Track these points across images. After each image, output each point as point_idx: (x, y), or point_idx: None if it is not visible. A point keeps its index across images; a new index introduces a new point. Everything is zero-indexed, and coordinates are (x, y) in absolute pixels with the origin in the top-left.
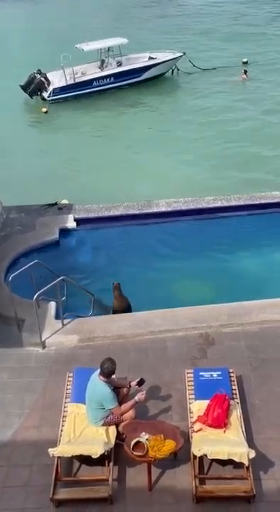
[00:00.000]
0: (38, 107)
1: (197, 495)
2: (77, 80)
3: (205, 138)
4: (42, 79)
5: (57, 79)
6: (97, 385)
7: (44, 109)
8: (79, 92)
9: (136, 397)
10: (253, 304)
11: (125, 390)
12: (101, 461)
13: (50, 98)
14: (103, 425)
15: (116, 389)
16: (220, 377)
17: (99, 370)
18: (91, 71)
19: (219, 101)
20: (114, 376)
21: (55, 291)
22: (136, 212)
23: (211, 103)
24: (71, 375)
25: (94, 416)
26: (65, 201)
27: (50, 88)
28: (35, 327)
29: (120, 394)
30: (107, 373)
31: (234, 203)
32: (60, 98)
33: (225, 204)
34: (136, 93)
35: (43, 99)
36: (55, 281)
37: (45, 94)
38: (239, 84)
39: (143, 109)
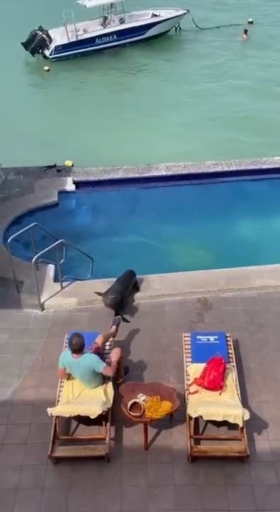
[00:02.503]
0: (39, 65)
1: (192, 455)
2: (80, 38)
3: (205, 100)
4: (44, 36)
5: (59, 36)
6: (80, 363)
7: (46, 68)
8: (81, 50)
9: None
10: (251, 270)
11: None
12: (98, 421)
13: (52, 56)
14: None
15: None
16: (217, 341)
17: (66, 352)
18: (93, 28)
19: (219, 61)
20: (98, 338)
21: (54, 254)
22: (136, 175)
23: (210, 63)
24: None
25: (93, 385)
26: (68, 162)
27: (52, 46)
28: (34, 289)
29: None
30: (78, 348)
31: (234, 168)
32: (62, 56)
33: (226, 169)
34: (139, 52)
35: (45, 57)
36: (54, 244)
37: (47, 52)
38: (239, 44)
39: (146, 69)
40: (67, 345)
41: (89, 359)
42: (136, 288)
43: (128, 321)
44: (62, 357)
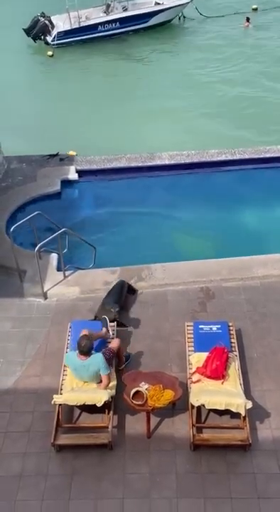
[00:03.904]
0: (41, 51)
1: (194, 443)
2: (82, 24)
3: (208, 88)
4: (47, 22)
5: (61, 22)
6: (85, 363)
7: (49, 53)
8: (83, 37)
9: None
10: (254, 259)
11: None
12: (101, 409)
13: (54, 42)
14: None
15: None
16: (220, 331)
17: (72, 353)
18: (96, 15)
19: (222, 49)
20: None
21: (57, 243)
22: (139, 164)
23: (213, 52)
24: (71, 325)
25: (96, 381)
26: (72, 152)
27: (54, 32)
28: (37, 278)
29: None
30: (87, 351)
31: (238, 157)
32: (64, 43)
33: (229, 157)
34: (142, 40)
35: (47, 43)
36: (56, 233)
37: (49, 39)
38: (241, 32)
39: (149, 57)
40: (69, 335)
41: (96, 360)
42: (132, 290)
43: (127, 326)
44: (67, 358)
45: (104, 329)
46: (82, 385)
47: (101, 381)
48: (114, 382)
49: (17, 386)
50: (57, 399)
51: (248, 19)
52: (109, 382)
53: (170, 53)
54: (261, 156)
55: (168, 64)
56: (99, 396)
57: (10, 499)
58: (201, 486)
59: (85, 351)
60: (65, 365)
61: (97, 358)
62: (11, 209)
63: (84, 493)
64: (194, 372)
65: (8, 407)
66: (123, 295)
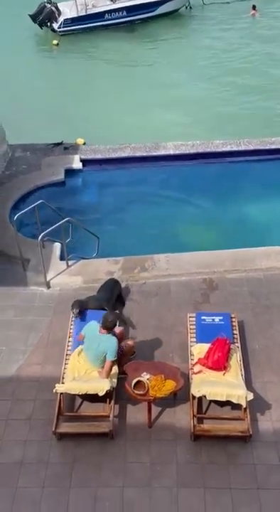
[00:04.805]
0: (47, 38)
1: (195, 433)
2: (89, 12)
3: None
4: (53, 8)
5: (68, 9)
6: (102, 339)
7: (55, 42)
8: (90, 25)
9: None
10: (258, 251)
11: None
12: (102, 398)
13: (60, 29)
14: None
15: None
16: (222, 322)
17: (95, 323)
18: (103, 3)
19: (230, 39)
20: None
21: (60, 232)
22: (143, 154)
23: (220, 42)
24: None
25: (98, 364)
26: (80, 140)
27: (61, 19)
28: (40, 267)
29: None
30: (111, 327)
31: (243, 148)
32: (70, 30)
33: (235, 148)
34: (149, 29)
35: (53, 30)
36: (60, 222)
37: (55, 25)
38: (248, 21)
39: (156, 45)
40: (72, 324)
41: (110, 342)
42: (120, 301)
43: (126, 323)
44: (88, 326)
45: (121, 328)
46: (83, 373)
47: (103, 367)
48: (115, 372)
49: (19, 374)
50: (59, 388)
51: (254, 7)
52: (110, 371)
53: (177, 43)
54: (266, 148)
55: (176, 53)
56: (101, 385)
57: (11, 486)
58: (201, 476)
59: (109, 326)
60: (67, 354)
61: (112, 341)
62: (14, 197)
63: (85, 481)
64: (196, 363)
65: (10, 394)
66: (114, 294)
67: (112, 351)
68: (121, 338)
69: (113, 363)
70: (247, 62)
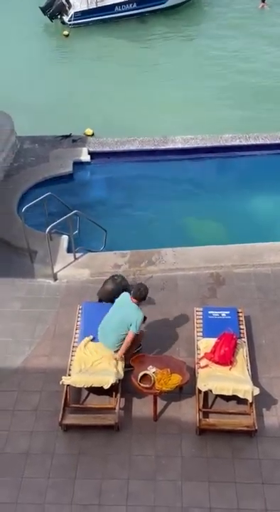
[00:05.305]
0: (57, 31)
1: (201, 427)
2: (99, 5)
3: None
4: (63, 1)
5: (78, 2)
6: (132, 307)
7: (65, 32)
8: (100, 18)
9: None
10: (266, 246)
11: None
12: (109, 391)
13: (70, 22)
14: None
15: None
16: (229, 317)
17: (127, 294)
18: None
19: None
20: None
21: (68, 225)
22: (152, 147)
23: (231, 36)
24: (81, 307)
25: (113, 341)
26: (89, 130)
27: (71, 11)
28: (47, 259)
29: None
30: (141, 298)
31: (252, 142)
32: (81, 23)
33: (243, 142)
34: (159, 21)
35: (63, 22)
36: (67, 215)
37: (66, 18)
38: (258, 14)
39: (166, 38)
40: (79, 316)
41: (138, 313)
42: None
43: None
44: (122, 295)
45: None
46: (90, 365)
47: (116, 351)
48: (121, 366)
49: (25, 365)
50: (66, 380)
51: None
52: (129, 344)
53: (187, 35)
54: (276, 142)
55: (186, 46)
56: (107, 378)
57: (17, 475)
58: (206, 470)
59: (140, 296)
60: (73, 346)
61: (140, 314)
62: (22, 189)
63: (90, 473)
64: (202, 358)
65: (17, 386)
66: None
67: (137, 324)
68: (140, 338)
69: (133, 337)
70: (259, 57)
